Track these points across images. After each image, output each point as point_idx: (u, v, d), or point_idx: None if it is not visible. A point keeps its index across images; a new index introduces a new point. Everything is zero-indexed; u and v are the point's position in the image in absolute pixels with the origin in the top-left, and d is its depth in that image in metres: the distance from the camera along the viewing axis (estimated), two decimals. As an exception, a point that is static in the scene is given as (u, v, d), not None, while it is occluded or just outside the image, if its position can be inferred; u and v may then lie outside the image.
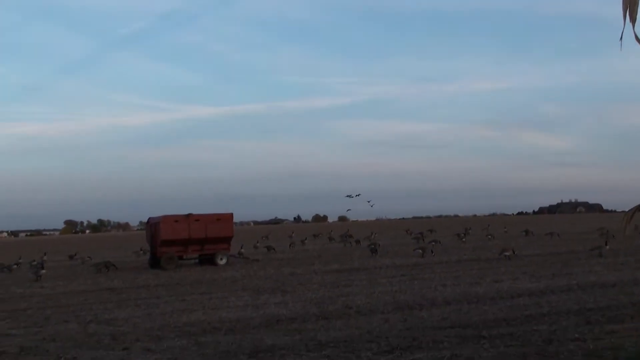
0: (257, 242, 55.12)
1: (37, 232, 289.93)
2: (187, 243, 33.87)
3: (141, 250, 48.08)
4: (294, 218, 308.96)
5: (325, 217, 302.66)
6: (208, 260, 34.67)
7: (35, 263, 39.97)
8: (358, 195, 38.34)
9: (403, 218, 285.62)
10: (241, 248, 41.66)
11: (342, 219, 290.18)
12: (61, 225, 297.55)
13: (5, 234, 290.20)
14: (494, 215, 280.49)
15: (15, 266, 39.19)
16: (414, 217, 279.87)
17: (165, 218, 33.61)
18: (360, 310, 15.96)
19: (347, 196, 38.47)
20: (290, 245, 52.25)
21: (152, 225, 34.96)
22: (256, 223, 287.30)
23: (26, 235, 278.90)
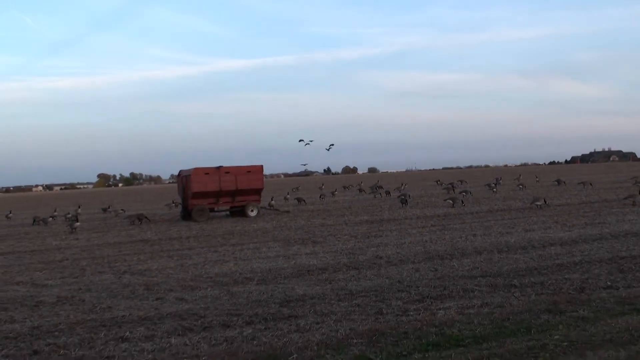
0: (288, 194, 55.38)
1: (71, 186, 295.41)
2: (218, 195, 34.12)
3: (173, 202, 48.55)
4: (324, 170, 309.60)
5: (355, 169, 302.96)
6: (239, 212, 34.95)
7: (70, 216, 40.72)
8: (311, 142, 36.80)
9: (433, 169, 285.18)
10: (272, 200, 41.87)
11: (372, 170, 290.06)
12: (95, 179, 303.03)
13: (40, 188, 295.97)
14: (525, 165, 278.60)
15: (50, 219, 39.94)
16: (444, 168, 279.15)
17: (196, 171, 33.80)
18: (391, 260, 16.01)
19: (300, 141, 37.03)
20: (320, 196, 52.38)
21: (183, 178, 35.23)
22: (286, 175, 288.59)
23: (60, 188, 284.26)
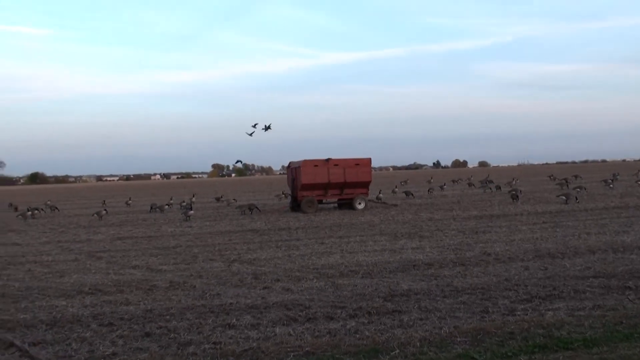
0: (396, 187, 55.10)
1: (187, 175, 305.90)
2: (326, 187, 34.40)
3: (283, 193, 49.32)
4: (433, 163, 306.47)
5: (465, 162, 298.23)
6: (347, 204, 35.12)
7: (184, 204, 42.15)
8: (256, 125, 34.41)
9: (546, 163, 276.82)
10: (379, 193, 41.81)
11: (483, 164, 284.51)
12: (209, 169, 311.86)
13: (158, 176, 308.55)
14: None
15: (166, 207, 41.52)
16: (558, 162, 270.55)
17: (305, 162, 34.20)
18: (499, 257, 15.66)
19: (253, 126, 34.66)
20: (428, 190, 51.87)
21: (293, 170, 35.73)
22: (395, 168, 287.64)
23: (177, 177, 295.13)
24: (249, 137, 33.37)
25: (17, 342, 9.23)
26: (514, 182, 58.77)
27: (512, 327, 9.00)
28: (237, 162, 39.69)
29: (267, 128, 33.96)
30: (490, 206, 33.15)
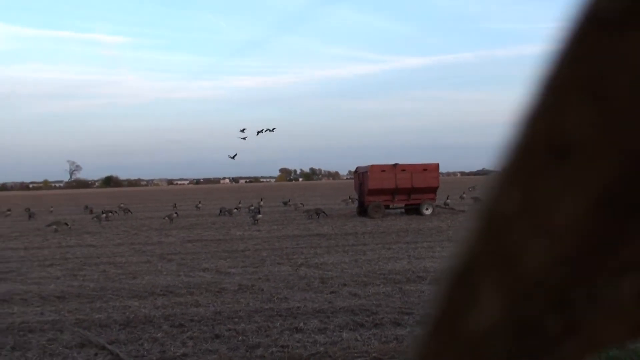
0: (464, 193, 54.39)
1: (255, 179, 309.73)
2: (393, 192, 34.23)
3: (350, 198, 49.25)
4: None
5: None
6: (414, 209, 34.87)
7: (253, 208, 42.59)
8: (244, 130, 33.14)
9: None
10: (447, 199, 41.35)
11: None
12: (277, 173, 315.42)
13: (227, 180, 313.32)
14: None
15: (235, 210, 42.04)
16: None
17: (373, 168, 34.11)
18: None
19: (241, 130, 33.63)
20: (498, 196, 50.84)
21: (360, 175, 35.69)
22: (463, 174, 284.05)
23: (245, 182, 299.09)
24: (255, 139, 33.76)
25: (94, 339, 9.52)
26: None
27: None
28: (233, 155, 40.16)
29: (260, 131, 34.12)
30: (561, 213, 32.35)
